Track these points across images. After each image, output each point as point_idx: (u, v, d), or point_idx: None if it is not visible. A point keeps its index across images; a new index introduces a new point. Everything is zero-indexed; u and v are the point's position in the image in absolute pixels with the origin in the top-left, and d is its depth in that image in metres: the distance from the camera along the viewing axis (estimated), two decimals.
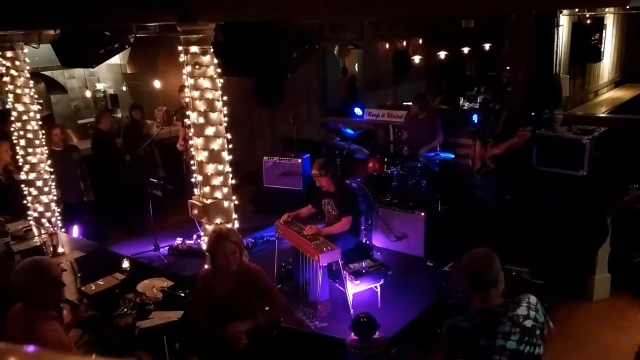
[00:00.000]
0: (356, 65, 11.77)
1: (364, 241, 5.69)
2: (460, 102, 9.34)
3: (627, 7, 6.46)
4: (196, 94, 4.31)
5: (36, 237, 5.11)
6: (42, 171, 5.93)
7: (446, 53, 11.20)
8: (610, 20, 11.62)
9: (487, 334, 2.30)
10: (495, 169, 5.79)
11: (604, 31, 11.11)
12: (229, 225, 4.58)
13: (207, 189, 4.45)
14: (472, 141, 6.12)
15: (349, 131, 7.09)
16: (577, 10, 9.04)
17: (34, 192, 5.93)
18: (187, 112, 4.56)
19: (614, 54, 12.61)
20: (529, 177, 6.25)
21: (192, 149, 4.69)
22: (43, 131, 5.95)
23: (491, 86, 6.17)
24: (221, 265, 3.27)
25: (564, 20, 9.21)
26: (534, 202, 6.14)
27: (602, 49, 11.21)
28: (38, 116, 5.92)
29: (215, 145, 4.38)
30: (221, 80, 4.45)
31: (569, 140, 6.12)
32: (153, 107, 8.79)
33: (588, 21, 10.09)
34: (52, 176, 6.03)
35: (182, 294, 3.87)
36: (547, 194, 6.12)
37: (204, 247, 4.64)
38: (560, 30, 8.59)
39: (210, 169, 4.40)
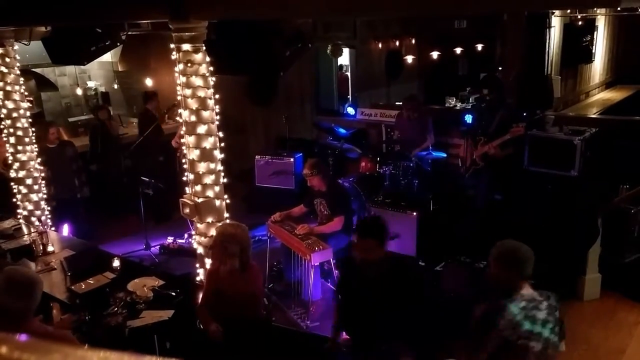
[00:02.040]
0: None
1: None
2: (453, 102, 9.37)
3: (619, 8, 6.51)
4: (188, 92, 4.29)
5: (26, 236, 5.07)
6: (32, 169, 5.87)
7: (439, 53, 11.20)
8: (601, 22, 11.69)
9: (530, 318, 2.39)
10: (484, 168, 5.80)
11: (595, 33, 11.17)
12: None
13: (198, 188, 4.43)
14: (464, 140, 6.14)
15: (342, 130, 7.08)
16: (568, 11, 9.08)
17: (24, 190, 5.87)
18: (179, 110, 4.54)
19: (605, 55, 12.68)
20: (520, 177, 6.27)
21: (184, 147, 4.67)
22: (33, 129, 5.90)
23: (495, 85, 6.19)
24: (220, 263, 3.33)
25: (556, 22, 9.25)
26: (525, 202, 6.16)
27: (593, 51, 11.27)
28: (28, 114, 5.86)
29: (207, 143, 4.36)
30: (213, 79, 4.44)
31: (560, 140, 6.15)
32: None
33: (580, 23, 10.13)
34: (42, 174, 5.98)
35: (173, 293, 3.86)
36: (538, 194, 6.14)
37: (195, 246, 4.62)
38: (552, 31, 8.63)
39: (201, 167, 4.38)
